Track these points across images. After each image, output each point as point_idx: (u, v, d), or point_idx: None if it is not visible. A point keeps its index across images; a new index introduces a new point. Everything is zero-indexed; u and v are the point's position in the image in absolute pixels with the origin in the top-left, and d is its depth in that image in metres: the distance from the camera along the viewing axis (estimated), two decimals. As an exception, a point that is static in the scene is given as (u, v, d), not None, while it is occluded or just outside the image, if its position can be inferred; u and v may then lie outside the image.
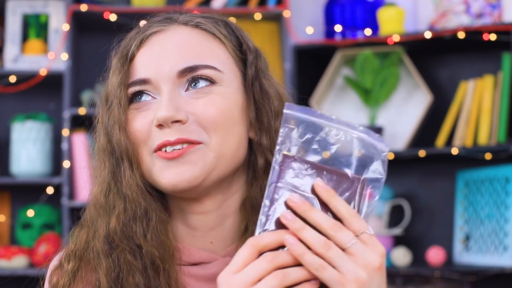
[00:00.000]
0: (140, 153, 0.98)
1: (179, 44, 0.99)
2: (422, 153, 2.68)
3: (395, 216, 2.92)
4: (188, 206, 1.00)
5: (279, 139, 0.87)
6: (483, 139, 2.63)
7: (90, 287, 0.98)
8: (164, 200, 1.02)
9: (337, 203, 0.84)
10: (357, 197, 0.86)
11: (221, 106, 0.97)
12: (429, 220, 2.94)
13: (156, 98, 0.98)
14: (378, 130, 2.81)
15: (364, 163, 0.86)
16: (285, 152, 0.87)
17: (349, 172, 0.86)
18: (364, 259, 0.83)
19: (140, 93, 0.99)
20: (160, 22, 1.02)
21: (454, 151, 2.62)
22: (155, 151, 0.96)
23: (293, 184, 0.85)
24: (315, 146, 0.87)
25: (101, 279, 0.96)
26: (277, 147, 0.87)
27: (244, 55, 1.03)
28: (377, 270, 0.83)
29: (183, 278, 0.98)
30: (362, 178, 0.86)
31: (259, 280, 0.82)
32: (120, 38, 1.05)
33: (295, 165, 0.86)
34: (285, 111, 0.88)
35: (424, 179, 2.95)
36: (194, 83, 0.97)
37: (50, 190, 2.85)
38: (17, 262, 2.79)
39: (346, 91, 3.01)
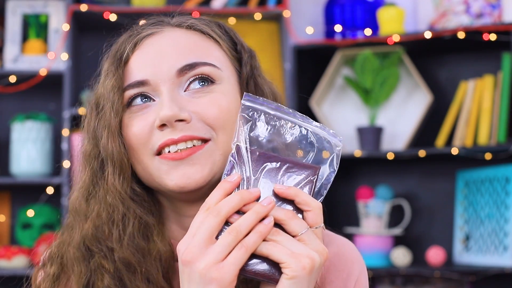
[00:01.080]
0: (138, 157, 0.96)
1: (175, 45, 0.98)
2: (422, 153, 2.68)
3: (395, 216, 2.92)
4: (185, 209, 0.99)
5: (236, 131, 0.89)
6: (483, 139, 2.63)
7: None
8: (155, 204, 1.01)
9: (304, 196, 0.85)
10: (312, 187, 0.87)
11: (224, 104, 0.96)
12: (429, 220, 2.94)
13: (155, 100, 0.97)
14: (378, 130, 2.81)
15: (317, 156, 0.89)
16: (239, 143, 0.88)
17: (304, 162, 0.88)
18: (315, 246, 0.84)
19: (137, 96, 0.97)
20: (153, 25, 1.02)
21: (454, 151, 2.62)
22: (157, 153, 0.95)
23: (246, 175, 0.87)
24: (270, 137, 0.89)
25: (73, 286, 0.95)
26: (234, 139, 0.89)
27: (239, 54, 1.03)
28: (325, 258, 0.84)
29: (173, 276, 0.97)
30: (318, 168, 0.88)
31: (216, 238, 0.83)
32: (110, 41, 1.04)
33: (250, 156, 0.88)
34: (243, 101, 0.90)
35: (424, 179, 2.95)
36: (194, 83, 0.96)
37: (50, 190, 2.85)
38: (17, 262, 2.79)
39: (346, 91, 3.01)
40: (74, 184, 1.03)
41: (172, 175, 0.94)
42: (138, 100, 0.97)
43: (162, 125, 0.94)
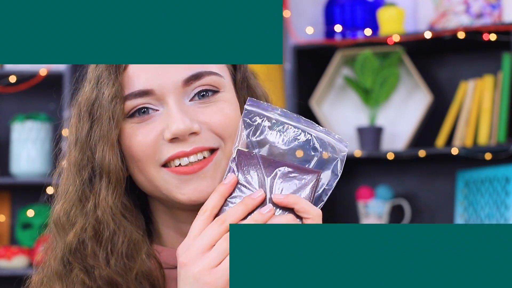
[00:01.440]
0: (143, 168, 0.93)
1: None
2: (422, 153, 2.68)
3: (395, 216, 2.92)
4: (185, 216, 0.97)
5: (237, 135, 0.89)
6: (483, 139, 2.63)
7: None
8: (143, 216, 0.98)
9: (303, 203, 0.86)
10: (312, 192, 0.87)
11: (230, 112, 0.94)
12: (429, 220, 2.94)
13: (158, 110, 0.93)
14: (378, 130, 2.81)
15: (321, 161, 0.89)
16: (240, 148, 0.88)
17: (306, 166, 0.88)
18: None
19: (138, 107, 0.93)
20: None
21: (454, 151, 2.62)
22: (164, 165, 0.92)
23: (247, 180, 0.87)
24: (273, 142, 0.89)
25: None
26: (235, 144, 0.89)
27: None
28: None
29: (166, 282, 0.95)
30: (319, 173, 0.87)
31: (214, 244, 0.84)
32: None
33: (251, 161, 0.88)
34: (246, 106, 0.90)
35: (424, 179, 2.95)
36: (201, 93, 0.93)
37: (50, 190, 2.85)
38: (17, 262, 2.79)
39: (346, 91, 3.01)
40: (56, 195, 0.99)
41: (184, 189, 0.92)
42: (140, 110, 0.93)
43: (174, 138, 0.91)
